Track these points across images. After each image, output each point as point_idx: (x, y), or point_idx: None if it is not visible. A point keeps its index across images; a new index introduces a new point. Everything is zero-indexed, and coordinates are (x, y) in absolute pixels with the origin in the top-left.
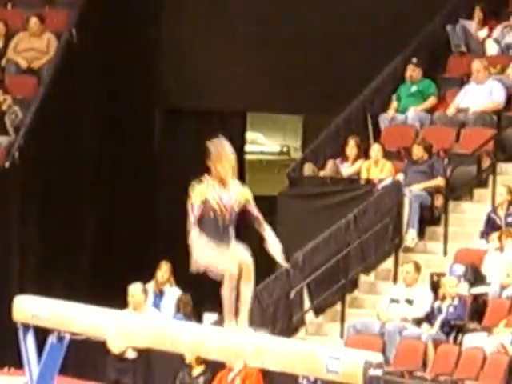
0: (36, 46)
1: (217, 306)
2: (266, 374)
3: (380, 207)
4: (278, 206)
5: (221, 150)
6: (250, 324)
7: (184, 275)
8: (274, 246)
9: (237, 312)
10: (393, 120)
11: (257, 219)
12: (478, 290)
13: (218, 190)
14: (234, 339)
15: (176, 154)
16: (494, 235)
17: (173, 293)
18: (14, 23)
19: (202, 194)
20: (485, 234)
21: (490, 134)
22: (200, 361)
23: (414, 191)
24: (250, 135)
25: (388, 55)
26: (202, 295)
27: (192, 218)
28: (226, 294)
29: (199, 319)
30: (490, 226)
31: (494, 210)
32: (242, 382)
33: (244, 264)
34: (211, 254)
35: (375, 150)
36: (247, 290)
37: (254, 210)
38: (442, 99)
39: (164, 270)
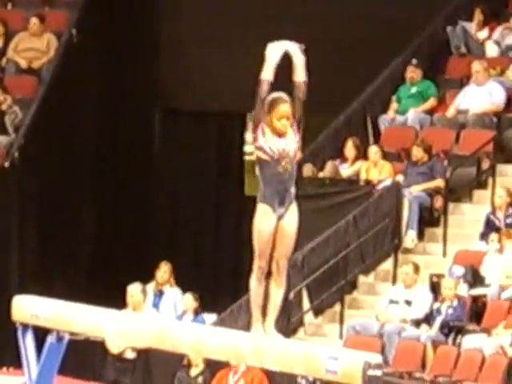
0: (36, 46)
1: (215, 306)
2: (266, 374)
3: (379, 208)
4: None
5: (274, 101)
6: (248, 325)
7: (184, 276)
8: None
9: (265, 313)
10: (392, 121)
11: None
12: (478, 291)
13: (273, 138)
14: (233, 339)
15: (175, 154)
16: (494, 236)
17: (173, 293)
18: (14, 23)
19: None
20: (484, 236)
21: (490, 135)
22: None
23: (414, 192)
24: (249, 136)
25: (388, 56)
26: (202, 296)
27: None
28: (252, 284)
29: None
30: (489, 228)
31: (493, 211)
32: None
33: (278, 262)
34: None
35: (373, 151)
36: (277, 293)
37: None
38: (441, 100)
39: (163, 271)
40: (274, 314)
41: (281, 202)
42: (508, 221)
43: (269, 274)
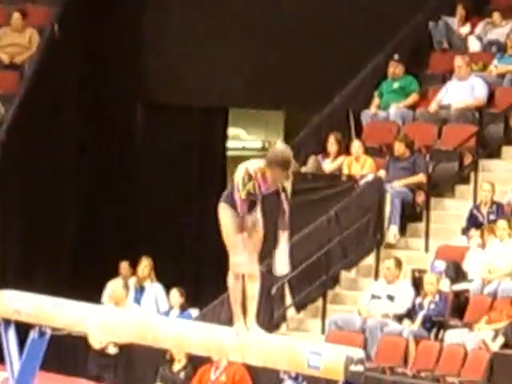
0: (18, 42)
1: (198, 301)
2: (249, 370)
3: (361, 203)
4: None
5: (273, 158)
6: (230, 320)
7: (166, 270)
8: (282, 255)
9: (244, 309)
10: (375, 116)
11: (282, 212)
12: (460, 286)
13: (260, 179)
14: (215, 334)
15: (157, 149)
16: (474, 232)
17: (154, 288)
18: None
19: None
20: (466, 231)
21: (472, 130)
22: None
23: (396, 187)
24: (231, 131)
25: (370, 52)
26: (184, 291)
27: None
28: (230, 281)
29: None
30: (472, 223)
31: (477, 206)
32: (227, 379)
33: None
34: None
35: (356, 146)
36: (253, 287)
37: (285, 202)
38: (424, 96)
39: (144, 265)
40: (253, 309)
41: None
42: (491, 217)
43: None
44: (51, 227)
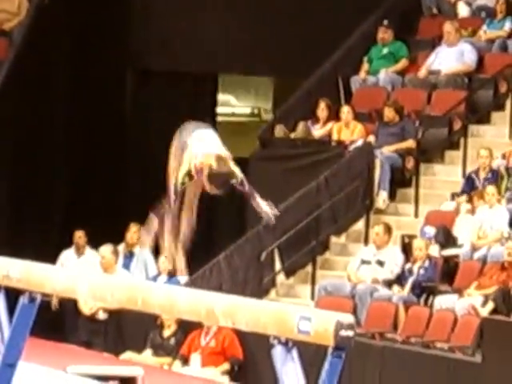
0: (7, 8)
1: (187, 268)
2: (238, 335)
3: (351, 169)
4: (249, 168)
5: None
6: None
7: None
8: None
9: None
10: (364, 82)
11: (250, 197)
12: (449, 251)
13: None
14: (205, 299)
15: (147, 115)
16: (462, 198)
17: (143, 254)
18: None
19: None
20: (460, 195)
21: (462, 96)
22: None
23: (385, 153)
24: (221, 97)
25: (359, 17)
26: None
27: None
28: None
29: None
30: (469, 186)
31: (476, 171)
32: (217, 345)
33: None
34: None
35: (345, 111)
36: None
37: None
38: (413, 61)
39: (133, 232)
40: None
41: None
42: (486, 182)
43: None
44: (41, 193)
